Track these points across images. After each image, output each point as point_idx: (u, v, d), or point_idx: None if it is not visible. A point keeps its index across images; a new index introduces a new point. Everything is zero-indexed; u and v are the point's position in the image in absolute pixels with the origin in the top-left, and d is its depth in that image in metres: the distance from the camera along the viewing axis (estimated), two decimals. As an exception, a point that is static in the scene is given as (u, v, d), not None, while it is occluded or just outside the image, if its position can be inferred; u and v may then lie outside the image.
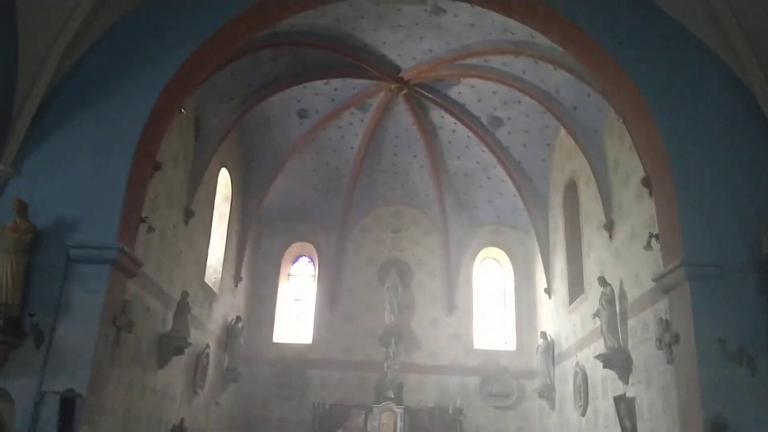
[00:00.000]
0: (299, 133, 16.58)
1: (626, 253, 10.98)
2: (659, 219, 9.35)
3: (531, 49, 12.45)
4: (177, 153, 11.47)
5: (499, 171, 17.37)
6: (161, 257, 10.85)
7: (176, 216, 11.61)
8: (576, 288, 14.09)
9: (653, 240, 9.44)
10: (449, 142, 17.46)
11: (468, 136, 16.94)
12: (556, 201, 15.81)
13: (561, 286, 15.21)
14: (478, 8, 12.26)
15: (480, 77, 14.47)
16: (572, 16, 9.96)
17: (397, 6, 12.94)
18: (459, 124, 16.55)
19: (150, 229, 9.71)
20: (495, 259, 19.34)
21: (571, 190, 14.74)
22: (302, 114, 16.26)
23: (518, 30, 12.31)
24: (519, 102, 15.33)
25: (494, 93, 15.40)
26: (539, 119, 15.50)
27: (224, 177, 14.97)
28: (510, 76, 13.89)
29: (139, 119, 9.35)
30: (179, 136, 11.58)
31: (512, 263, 18.90)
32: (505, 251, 19.04)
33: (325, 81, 15.35)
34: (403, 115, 16.89)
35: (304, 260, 19.74)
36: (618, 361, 10.64)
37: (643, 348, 10.04)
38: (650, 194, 9.85)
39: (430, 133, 17.26)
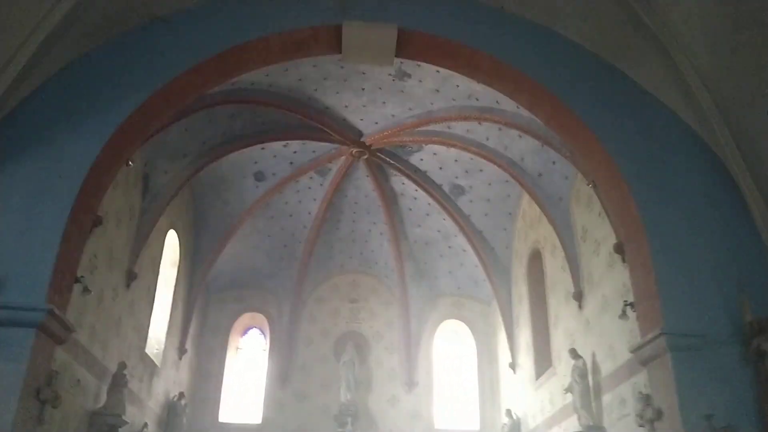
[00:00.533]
0: (255, 197, 15.92)
1: (598, 324, 10.50)
2: (634, 287, 8.92)
3: (496, 115, 12.32)
4: (121, 210, 10.63)
5: (461, 240, 16.98)
6: (97, 323, 9.80)
7: (117, 279, 10.63)
8: (543, 362, 13.48)
9: (628, 309, 8.98)
10: (410, 209, 17.06)
11: (429, 204, 16.60)
12: (520, 271, 15.40)
13: (527, 360, 14.57)
14: (443, 73, 12.20)
15: (443, 144, 14.25)
16: (542, 81, 9.80)
17: (362, 70, 12.73)
18: (420, 191, 16.22)
19: (86, 290, 8.73)
20: (456, 333, 18.62)
21: (536, 259, 14.37)
22: (259, 177, 15.66)
23: (483, 96, 12.21)
24: (481, 170, 15.15)
25: (456, 161, 15.20)
26: (501, 188, 15.31)
27: (172, 240, 14.06)
28: (473, 143, 13.70)
29: (81, 169, 8.53)
30: (125, 192, 10.77)
31: (474, 337, 18.23)
32: (466, 324, 18.40)
33: (284, 143, 14.91)
34: (363, 180, 16.49)
35: (254, 332, 18.63)
36: (594, 440, 9.94)
37: (621, 425, 9.39)
38: (623, 261, 9.49)
39: (390, 199, 16.86)
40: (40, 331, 7.49)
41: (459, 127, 13.67)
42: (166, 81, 9.36)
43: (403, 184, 16.38)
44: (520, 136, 12.74)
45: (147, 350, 12.56)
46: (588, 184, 10.43)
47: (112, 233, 10.24)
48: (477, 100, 12.45)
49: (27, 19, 8.36)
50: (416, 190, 16.38)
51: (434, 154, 15.23)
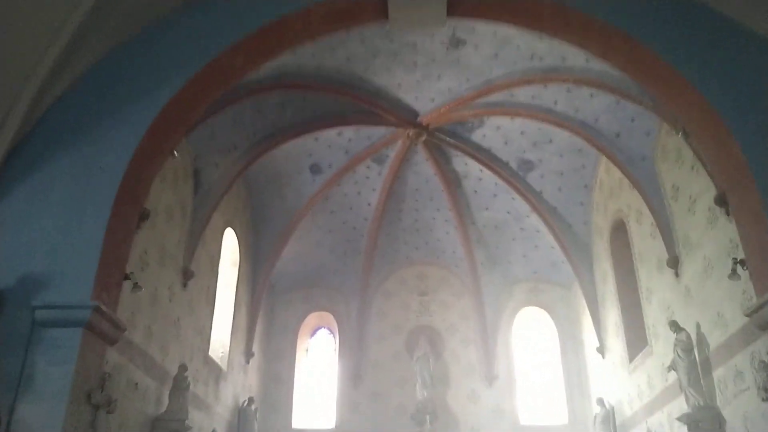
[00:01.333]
0: (312, 191, 15.31)
1: (701, 291, 9.23)
2: (744, 241, 7.68)
3: (563, 73, 11.18)
4: (172, 206, 10.16)
5: (534, 220, 15.83)
6: (153, 324, 9.32)
7: (171, 277, 10.16)
8: (636, 342, 12.21)
9: (739, 267, 7.74)
10: (475, 191, 16.05)
11: (496, 184, 15.53)
12: (601, 247, 14.13)
13: (617, 342, 13.29)
14: (500, 35, 11.24)
15: (506, 114, 13.20)
16: (613, 21, 8.68)
17: (412, 42, 11.90)
18: (485, 170, 15.18)
19: (136, 287, 8.22)
20: (536, 320, 17.43)
21: (619, 231, 13.11)
22: (315, 169, 15.05)
23: (547, 54, 11.14)
24: (550, 141, 14.01)
25: (522, 133, 14.11)
26: (574, 159, 14.11)
27: (230, 239, 13.60)
28: (540, 109, 12.59)
29: (122, 160, 8.03)
30: (174, 187, 10.31)
31: (556, 323, 16.98)
32: (546, 310, 17.17)
33: (337, 131, 14.23)
34: (423, 165, 15.61)
35: (323, 332, 18.02)
36: (707, 421, 8.68)
37: (738, 402, 8.13)
38: (727, 214, 8.25)
39: (453, 183, 15.90)
40: (88, 330, 6.97)
41: (523, 94, 12.60)
42: (204, 64, 8.75)
43: (466, 164, 15.40)
44: (592, 95, 11.58)
45: (211, 353, 12.08)
46: (678, 134, 9.20)
47: (163, 229, 9.77)
48: (541, 59, 11.37)
49: (57, 11, 7.99)
50: (481, 170, 15.36)
51: (497, 128, 14.19)
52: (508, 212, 16.19)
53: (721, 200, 8.32)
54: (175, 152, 9.35)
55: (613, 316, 13.54)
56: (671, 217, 10.32)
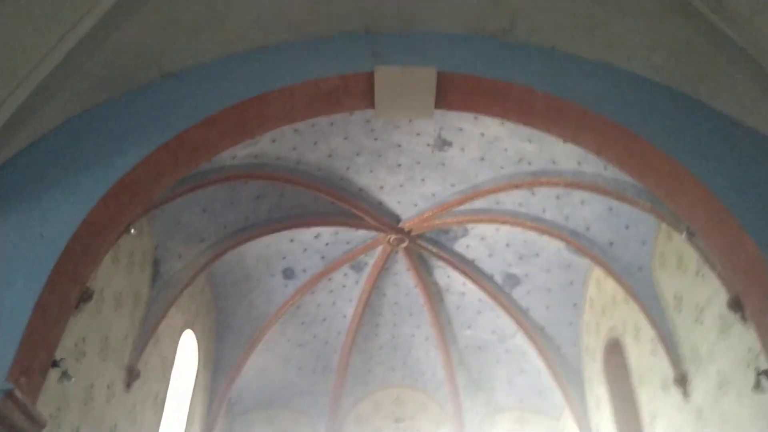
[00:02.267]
0: (283, 298, 14.26)
1: (716, 410, 8.14)
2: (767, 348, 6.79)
3: (553, 177, 10.74)
4: (124, 293, 9.07)
5: (519, 341, 14.80)
6: (82, 425, 7.89)
7: (113, 374, 8.84)
8: (639, 477, 10.81)
9: (763, 378, 6.78)
10: (458, 307, 15.12)
11: (480, 300, 14.67)
12: (594, 370, 13.02)
13: (616, 478, 11.81)
14: (488, 137, 10.91)
15: (492, 222, 12.61)
16: (610, 115, 8.33)
17: (397, 142, 11.54)
18: (468, 283, 14.36)
19: (65, 376, 6.95)
20: (521, 455, 15.82)
21: (614, 352, 12.09)
22: (288, 274, 14.10)
23: (536, 157, 10.76)
24: (537, 255, 13.37)
25: (508, 246, 13.49)
26: (562, 274, 13.39)
27: (189, 342, 12.31)
28: (528, 217, 12.04)
29: (67, 229, 7.05)
30: (129, 273, 9.27)
31: (543, 459, 15.35)
32: (533, 443, 15.60)
33: (315, 233, 13.50)
34: (403, 275, 14.78)
35: (286, 462, 16.11)
36: None
37: None
38: (743, 319, 7.40)
39: (435, 297, 14.99)
40: (-6, 420, 5.68)
41: (510, 201, 12.10)
42: (173, 135, 8.12)
43: (449, 277, 14.60)
44: (583, 202, 11.09)
45: (151, 474, 10.41)
46: (682, 234, 8.55)
47: (110, 317, 8.62)
48: (529, 164, 10.98)
49: (20, 67, 7.43)
50: (464, 284, 14.55)
51: (482, 238, 13.58)
52: (493, 332, 15.17)
53: (735, 304, 7.51)
54: (132, 229, 8.43)
55: (608, 446, 12.17)
56: (675, 330, 9.44)
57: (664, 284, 9.79)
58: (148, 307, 9.95)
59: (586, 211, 11.13)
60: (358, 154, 11.78)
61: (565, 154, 10.20)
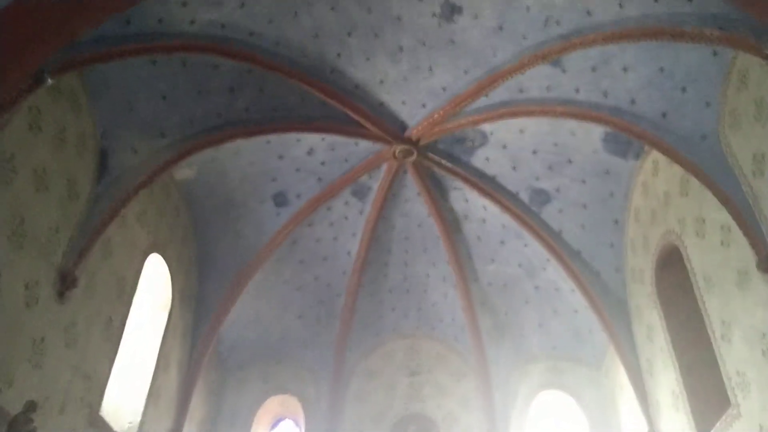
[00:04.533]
0: (275, 228, 12.30)
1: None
2: None
3: (588, 34, 8.62)
4: (49, 172, 7.17)
5: (551, 273, 12.66)
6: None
7: (34, 271, 6.92)
8: (710, 408, 8.62)
9: None
10: (478, 238, 13.02)
11: (504, 226, 12.57)
12: (643, 295, 10.82)
13: (678, 417, 9.57)
14: (506, -6, 8.83)
15: (515, 115, 10.48)
16: None
17: (397, 12, 9.56)
18: (490, 206, 12.29)
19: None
20: (558, 408, 13.52)
21: (670, 263, 9.90)
22: (279, 200, 12.18)
23: (565, 12, 8.68)
24: (569, 162, 11.25)
25: (534, 153, 11.39)
26: (600, 184, 11.24)
27: (157, 269, 10.38)
28: (558, 101, 9.91)
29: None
30: (58, 152, 7.37)
31: (584, 412, 13.02)
32: (571, 395, 13.31)
33: (307, 149, 11.56)
34: (414, 202, 12.75)
35: (286, 424, 14.08)
36: None
37: None
38: None
39: (452, 227, 12.93)
40: None
41: (535, 86, 9.99)
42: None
43: (467, 200, 12.53)
44: (626, 70, 8.94)
45: (103, 414, 8.46)
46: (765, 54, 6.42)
47: (26, 196, 6.73)
48: (558, 23, 8.89)
49: None
50: (485, 208, 12.47)
51: (503, 147, 11.49)
52: (519, 265, 13.03)
53: None
54: (49, 79, 6.54)
55: (668, 384, 9.94)
56: (757, 201, 7.26)
57: (737, 147, 7.62)
58: (90, 204, 8.06)
59: (630, 79, 8.99)
60: (349, 34, 9.82)
61: (601, -2, 8.14)
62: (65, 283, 7.44)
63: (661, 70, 8.57)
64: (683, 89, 8.42)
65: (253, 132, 10.37)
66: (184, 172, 10.85)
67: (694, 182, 8.72)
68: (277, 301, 13.47)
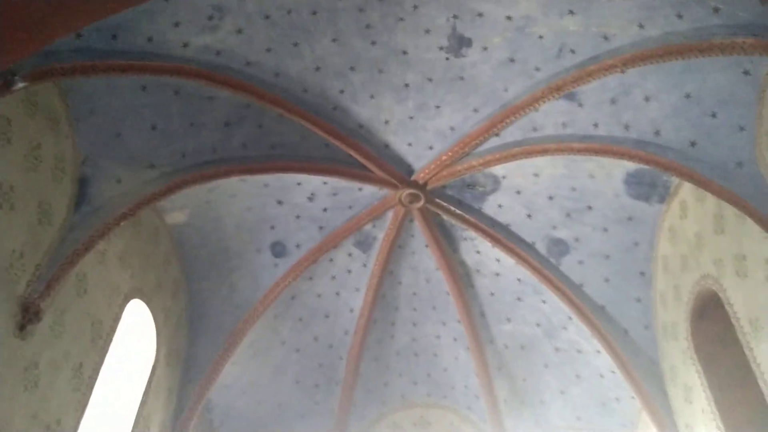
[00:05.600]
0: (273, 280, 11.44)
1: None
2: None
3: (606, 60, 8.08)
4: (18, 190, 6.49)
5: (572, 333, 11.58)
6: None
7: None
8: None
9: None
10: (492, 294, 12.07)
11: (519, 280, 11.65)
12: (677, 352, 9.73)
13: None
14: (516, 21, 8.43)
15: (529, 154, 9.78)
16: None
17: (402, 44, 9.09)
18: (504, 258, 11.43)
19: None
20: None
21: (707, 311, 8.91)
22: (278, 249, 11.40)
23: (581, 39, 8.20)
24: (589, 208, 10.49)
25: (551, 199, 10.66)
26: (623, 232, 10.42)
27: (139, 318, 9.45)
28: (575, 138, 9.25)
29: None
30: (30, 170, 6.69)
31: (615, 491, 11.61)
32: (600, 472, 11.90)
33: (308, 195, 10.91)
34: (421, 254, 11.94)
35: (281, 505, 12.66)
36: None
37: None
38: None
39: (462, 281, 12.02)
40: None
41: (550, 123, 9.38)
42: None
43: (479, 252, 11.69)
44: (648, 99, 8.34)
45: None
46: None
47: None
48: (573, 52, 8.39)
49: None
50: (498, 260, 11.60)
51: (517, 192, 10.78)
52: (538, 324, 11.98)
53: None
54: (20, 81, 5.99)
55: (712, 449, 8.71)
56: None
57: (781, 171, 6.88)
58: (63, 232, 7.32)
59: (654, 109, 8.35)
60: (352, 69, 9.34)
61: (620, 18, 7.65)
62: (27, 315, 6.59)
63: (687, 96, 7.94)
64: (713, 115, 7.76)
65: (250, 170, 9.73)
66: (175, 215, 10.20)
67: (730, 217, 7.94)
68: (274, 363, 12.39)
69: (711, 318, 8.91)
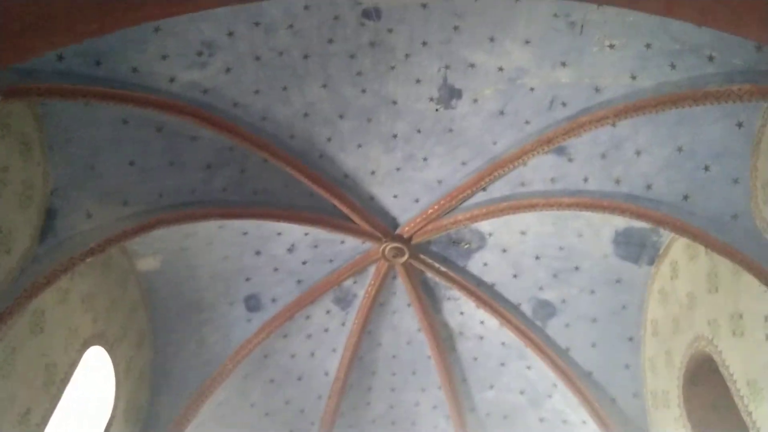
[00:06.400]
0: (245, 336, 10.83)
1: None
2: None
3: (597, 111, 8.03)
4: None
5: (557, 401, 11.06)
6: None
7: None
8: None
9: None
10: (475, 358, 11.57)
11: (504, 344, 11.22)
12: (669, 421, 9.24)
13: None
14: (508, 72, 8.42)
15: (517, 210, 9.57)
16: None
17: (392, 93, 9.00)
18: (488, 320, 11.05)
19: None
20: None
21: (700, 376, 8.52)
22: (252, 303, 10.86)
23: (572, 91, 8.19)
24: (577, 269, 10.25)
25: (538, 259, 10.41)
26: (611, 295, 10.16)
27: (98, 367, 8.74)
28: (565, 192, 9.11)
29: None
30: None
31: None
32: None
33: (287, 246, 10.52)
34: (403, 314, 11.48)
35: None
36: None
37: None
38: None
39: (445, 344, 11.54)
40: None
41: (538, 178, 9.25)
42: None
43: (462, 313, 11.28)
44: (639, 154, 8.26)
45: None
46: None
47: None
48: (564, 105, 8.36)
49: None
50: (482, 323, 11.20)
51: (503, 251, 10.52)
52: (522, 392, 11.44)
53: None
54: (-6, 94, 5.67)
55: None
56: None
57: (777, 222, 6.72)
58: (24, 263, 6.79)
59: (644, 163, 8.26)
60: (341, 116, 9.20)
61: (612, 68, 7.66)
62: (-27, 349, 5.98)
63: (680, 149, 7.88)
64: (706, 168, 7.68)
65: (229, 214, 9.33)
66: (147, 261, 9.68)
67: (724, 274, 7.73)
68: (242, 429, 11.54)
69: (705, 383, 8.52)
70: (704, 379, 8.53)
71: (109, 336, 8.79)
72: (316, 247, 10.64)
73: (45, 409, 7.27)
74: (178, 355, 10.44)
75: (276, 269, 10.71)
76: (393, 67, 8.70)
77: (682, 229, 7.85)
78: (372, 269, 10.89)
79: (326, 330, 11.48)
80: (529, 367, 11.14)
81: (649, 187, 8.31)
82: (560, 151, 8.87)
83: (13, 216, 6.64)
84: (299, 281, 10.88)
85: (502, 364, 11.39)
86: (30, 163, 6.88)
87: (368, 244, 10.53)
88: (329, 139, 9.45)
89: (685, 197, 7.91)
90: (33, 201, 6.98)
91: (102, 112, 7.55)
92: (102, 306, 8.56)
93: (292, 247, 10.57)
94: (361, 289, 11.14)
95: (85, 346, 8.20)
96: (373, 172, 9.93)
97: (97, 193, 7.88)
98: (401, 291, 11.18)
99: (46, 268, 6.98)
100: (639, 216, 8.37)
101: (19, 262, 6.74)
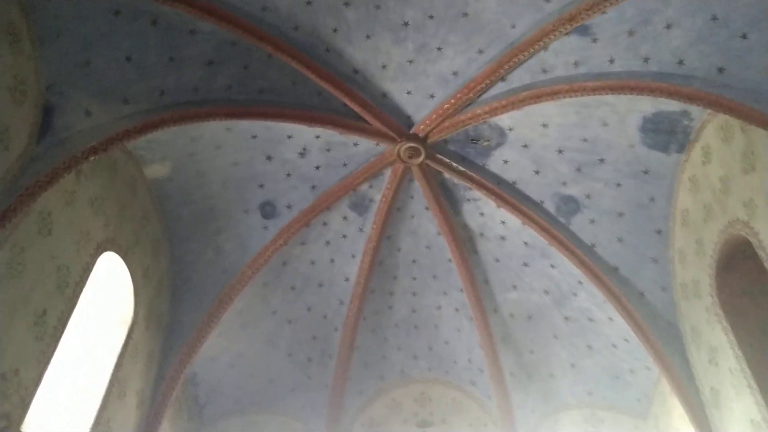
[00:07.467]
0: (262, 243, 10.68)
1: None
2: None
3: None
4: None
5: (583, 299, 10.85)
6: None
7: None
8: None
9: None
10: (497, 259, 11.32)
11: (526, 243, 10.92)
12: (700, 312, 8.97)
13: (760, 455, 7.52)
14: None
15: (539, 99, 9.04)
16: None
17: (400, -22, 8.38)
18: (510, 220, 10.73)
19: None
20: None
21: (734, 263, 8.18)
22: (267, 210, 10.65)
23: (597, -39, 7.48)
24: (601, 161, 9.77)
25: (560, 152, 9.94)
26: (638, 187, 9.69)
27: (113, 272, 8.65)
28: (589, 76, 8.52)
29: None
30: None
31: (631, 471, 10.82)
32: (614, 450, 11.12)
33: (299, 150, 10.18)
34: (421, 218, 11.20)
35: (272, 487, 11.84)
36: None
37: None
38: None
39: (465, 246, 11.27)
40: None
41: (560, 63, 8.66)
42: None
43: (482, 215, 10.96)
44: (669, 27, 7.59)
45: (26, 429, 6.59)
46: None
47: None
48: (587, -21, 7.68)
49: None
50: (503, 223, 10.88)
51: (524, 146, 10.05)
52: (546, 291, 11.24)
53: None
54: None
55: (744, 412, 7.92)
56: None
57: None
58: (24, 162, 6.57)
59: (675, 36, 7.61)
60: (347, 4, 8.60)
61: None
62: (-18, 249, 5.83)
63: (714, 18, 7.21)
64: (743, 36, 7.03)
65: (235, 114, 8.96)
66: (155, 168, 9.42)
67: (762, 152, 7.21)
68: (264, 336, 11.61)
69: (738, 269, 8.19)
70: (737, 266, 8.19)
71: (122, 242, 8.66)
72: (328, 150, 10.28)
73: (61, 311, 7.19)
74: (195, 263, 10.36)
75: (289, 174, 10.43)
76: (400, -55, 8.07)
77: (717, 104, 7.28)
78: (388, 172, 10.54)
79: (344, 236, 11.28)
80: (552, 266, 10.88)
81: (680, 62, 7.68)
82: (583, 30, 8.22)
83: (8, 113, 6.34)
84: (313, 186, 10.60)
85: (525, 264, 11.14)
86: (20, 56, 6.51)
87: (382, 146, 10.14)
88: (335, 30, 8.89)
89: (720, 70, 7.30)
90: (27, 97, 6.66)
91: (91, 4, 7.10)
92: (112, 211, 8.37)
93: (304, 150, 10.23)
94: (378, 193, 10.84)
95: (99, 250, 8.07)
96: (384, 66, 9.40)
97: (94, 91, 7.53)
98: (419, 194, 10.86)
99: (46, 166, 6.74)
100: (670, 95, 7.79)
101: (19, 161, 6.50)
